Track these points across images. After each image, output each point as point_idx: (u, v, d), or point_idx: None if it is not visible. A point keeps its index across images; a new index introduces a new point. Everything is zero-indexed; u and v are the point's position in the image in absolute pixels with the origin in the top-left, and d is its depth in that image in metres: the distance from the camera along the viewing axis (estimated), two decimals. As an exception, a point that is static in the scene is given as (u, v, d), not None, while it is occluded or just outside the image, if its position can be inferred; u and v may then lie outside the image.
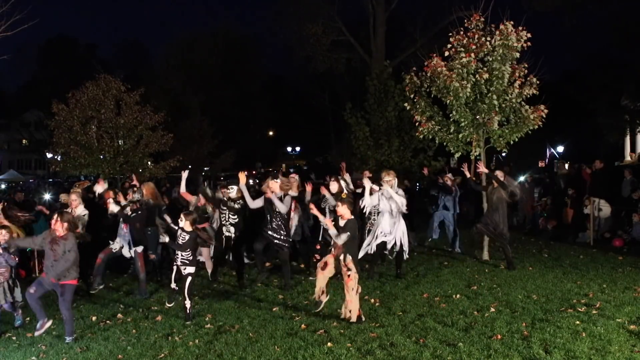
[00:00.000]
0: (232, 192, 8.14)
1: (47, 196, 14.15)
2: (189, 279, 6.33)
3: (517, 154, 21.84)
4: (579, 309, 6.20)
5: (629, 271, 8.24)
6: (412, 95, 9.74)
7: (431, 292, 7.22)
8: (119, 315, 6.69)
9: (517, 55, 9.00)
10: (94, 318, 6.71)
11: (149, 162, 17.84)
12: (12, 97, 54.03)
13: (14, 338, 6.13)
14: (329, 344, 5.32)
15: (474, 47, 8.95)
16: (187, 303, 6.28)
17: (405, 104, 10.12)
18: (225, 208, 8.22)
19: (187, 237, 6.40)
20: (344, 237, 5.94)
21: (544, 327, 5.61)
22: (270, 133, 49.05)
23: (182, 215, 6.52)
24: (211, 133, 30.61)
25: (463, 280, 7.87)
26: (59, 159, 18.10)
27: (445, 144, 9.61)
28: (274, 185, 7.54)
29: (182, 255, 6.38)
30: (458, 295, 7.02)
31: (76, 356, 5.45)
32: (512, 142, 9.24)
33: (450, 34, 9.23)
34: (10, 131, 51.39)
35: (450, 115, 9.26)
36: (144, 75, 34.98)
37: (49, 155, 22.91)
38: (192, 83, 35.89)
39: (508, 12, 9.04)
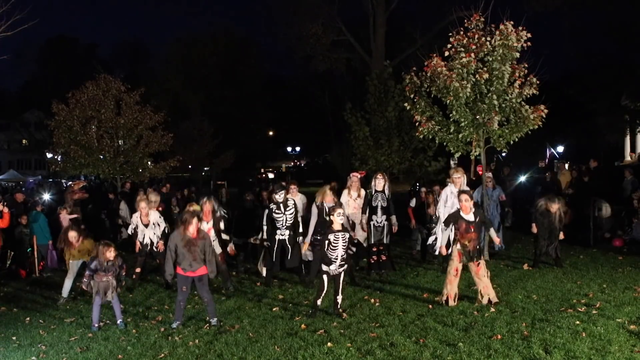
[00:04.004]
0: (280, 196, 8.01)
1: (46, 196, 14.14)
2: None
3: (517, 154, 21.85)
4: (579, 309, 6.19)
5: (629, 271, 8.23)
6: (412, 95, 9.72)
7: (431, 292, 7.22)
8: (119, 315, 6.69)
9: (517, 55, 8.97)
10: (94, 318, 6.71)
11: (149, 162, 17.84)
12: (12, 97, 54.14)
13: (13, 338, 6.13)
14: (329, 344, 5.32)
15: (474, 47, 8.93)
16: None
17: (405, 104, 10.11)
18: (280, 212, 7.99)
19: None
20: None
21: (544, 327, 5.60)
22: (270, 133, 49.08)
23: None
24: (211, 133, 30.65)
25: (463, 280, 7.83)
26: (59, 159, 18.10)
27: (445, 144, 9.59)
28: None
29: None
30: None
31: (76, 356, 5.45)
32: (512, 142, 9.23)
33: (450, 34, 9.21)
34: (10, 131, 51.40)
35: (450, 115, 9.25)
36: (144, 75, 35.10)
37: (49, 155, 22.89)
38: (192, 83, 35.95)
39: (508, 12, 9.03)
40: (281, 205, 7.96)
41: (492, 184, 10.55)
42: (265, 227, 8.08)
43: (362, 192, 8.61)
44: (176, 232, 6.25)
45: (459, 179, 8.01)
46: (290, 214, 7.98)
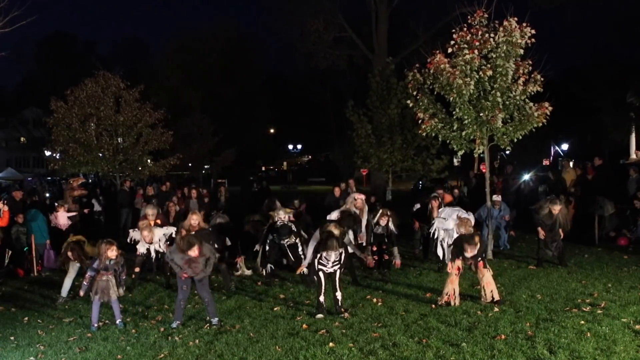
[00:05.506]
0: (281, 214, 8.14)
1: (47, 194, 14.07)
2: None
3: (521, 152, 21.76)
4: (584, 309, 6.13)
5: (634, 270, 8.16)
6: (414, 93, 9.64)
7: (434, 292, 7.15)
8: (119, 314, 6.61)
9: (521, 51, 8.89)
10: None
11: (149, 160, 17.77)
12: (10, 95, 53.88)
13: (12, 338, 6.07)
14: (330, 344, 5.26)
15: (477, 43, 8.85)
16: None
17: (408, 101, 10.02)
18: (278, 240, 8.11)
19: None
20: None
21: (549, 327, 5.54)
22: (272, 131, 48.99)
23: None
24: (211, 131, 30.57)
25: (466, 280, 7.76)
26: (57, 156, 18.02)
27: (448, 141, 9.52)
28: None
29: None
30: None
31: (75, 356, 5.40)
32: (515, 140, 9.15)
33: (454, 30, 9.13)
34: (9, 129, 51.20)
35: (454, 112, 9.17)
36: (144, 72, 34.94)
37: (48, 153, 22.83)
38: (192, 80, 35.85)
39: (512, 9, 8.95)
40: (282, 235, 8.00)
41: (499, 206, 10.36)
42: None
43: (366, 208, 8.52)
44: (177, 249, 6.13)
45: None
46: (287, 242, 7.99)
